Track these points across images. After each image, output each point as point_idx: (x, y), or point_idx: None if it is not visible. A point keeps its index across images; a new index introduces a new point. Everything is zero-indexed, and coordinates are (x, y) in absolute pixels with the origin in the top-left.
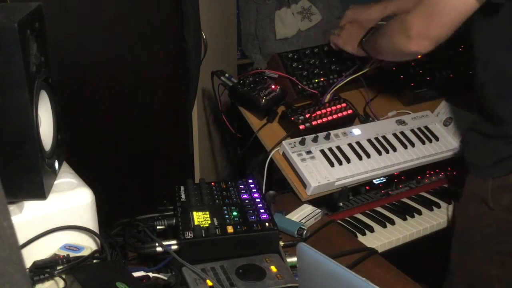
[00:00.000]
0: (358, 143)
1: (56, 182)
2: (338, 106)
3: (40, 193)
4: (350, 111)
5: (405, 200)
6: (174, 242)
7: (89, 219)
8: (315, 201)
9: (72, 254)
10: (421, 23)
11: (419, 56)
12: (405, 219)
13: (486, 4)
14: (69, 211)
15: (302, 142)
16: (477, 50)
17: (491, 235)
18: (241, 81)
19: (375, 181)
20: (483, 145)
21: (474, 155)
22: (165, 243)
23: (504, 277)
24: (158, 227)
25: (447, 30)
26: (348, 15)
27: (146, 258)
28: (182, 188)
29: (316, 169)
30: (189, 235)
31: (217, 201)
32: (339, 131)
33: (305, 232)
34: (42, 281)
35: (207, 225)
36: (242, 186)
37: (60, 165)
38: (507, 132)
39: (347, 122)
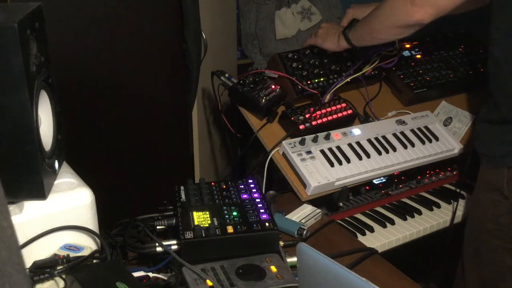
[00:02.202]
0: (358, 143)
1: (56, 182)
2: (338, 106)
3: (40, 193)
4: (350, 111)
5: (405, 200)
6: (174, 242)
7: (89, 219)
8: (315, 201)
9: (72, 254)
10: None
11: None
12: (405, 219)
13: None
14: (69, 211)
15: (302, 142)
16: (493, 26)
17: (506, 224)
18: (241, 81)
19: (375, 181)
20: (496, 135)
21: (486, 146)
22: (165, 243)
23: None
24: (158, 227)
25: (455, 2)
26: (349, 14)
27: (146, 258)
28: (182, 188)
29: (316, 169)
30: (189, 235)
31: (217, 201)
32: (339, 131)
33: (305, 232)
34: (42, 281)
35: (207, 225)
36: (242, 186)
37: (60, 165)
38: None
39: (347, 122)
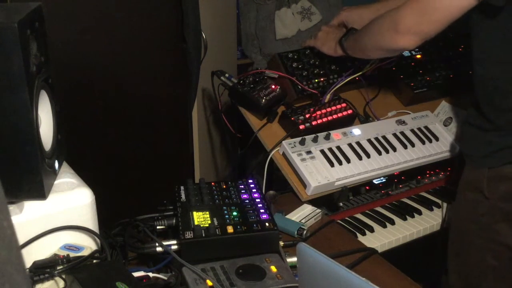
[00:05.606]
0: (358, 143)
1: (56, 182)
2: (338, 106)
3: (40, 193)
4: (350, 111)
5: (405, 200)
6: (174, 242)
7: (89, 219)
8: (315, 201)
9: (72, 254)
10: (412, 19)
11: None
12: (405, 219)
13: (484, 4)
14: (69, 211)
15: (302, 142)
16: (474, 46)
17: (486, 224)
18: (241, 81)
19: (375, 181)
20: (478, 137)
21: (469, 147)
22: (165, 243)
23: (498, 266)
24: (158, 227)
25: (438, 27)
26: (341, 16)
27: (146, 258)
28: (182, 188)
29: (316, 169)
30: (189, 235)
31: (217, 201)
32: (339, 131)
33: (305, 232)
34: (42, 281)
35: (207, 225)
36: (242, 186)
37: (60, 165)
38: (500, 125)
39: (347, 122)
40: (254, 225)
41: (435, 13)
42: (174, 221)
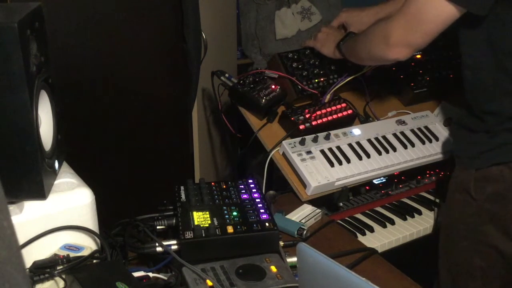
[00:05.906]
0: (358, 143)
1: (56, 182)
2: (338, 106)
3: (40, 193)
4: (350, 111)
5: (405, 200)
6: (174, 242)
7: (89, 219)
8: (315, 201)
9: (72, 254)
10: (401, 32)
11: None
12: (405, 219)
13: (468, 15)
14: (69, 211)
15: (302, 142)
16: (462, 52)
17: (474, 225)
18: (241, 81)
19: (375, 181)
20: (467, 138)
21: (459, 148)
22: (165, 243)
23: (486, 267)
24: (158, 227)
25: (427, 38)
26: (341, 17)
27: (146, 258)
28: (182, 188)
29: (316, 169)
30: (189, 235)
31: (217, 201)
32: (339, 131)
33: (305, 232)
34: (42, 281)
35: (207, 225)
36: (242, 186)
37: (60, 165)
38: (489, 127)
39: (347, 122)
40: (254, 225)
41: (422, 25)
42: (174, 221)
